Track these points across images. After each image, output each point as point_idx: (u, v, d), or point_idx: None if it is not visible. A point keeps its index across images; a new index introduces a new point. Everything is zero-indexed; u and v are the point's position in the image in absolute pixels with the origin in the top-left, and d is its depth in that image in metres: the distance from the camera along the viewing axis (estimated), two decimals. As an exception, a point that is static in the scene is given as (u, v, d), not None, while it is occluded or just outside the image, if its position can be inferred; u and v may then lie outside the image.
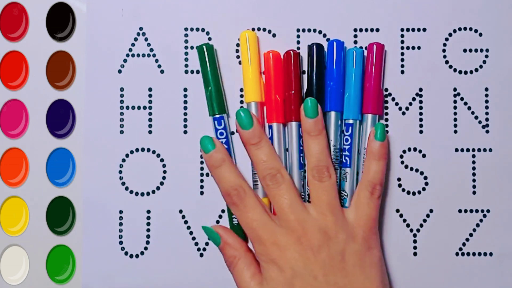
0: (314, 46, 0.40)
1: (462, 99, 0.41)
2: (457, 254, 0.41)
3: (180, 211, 0.41)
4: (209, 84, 0.40)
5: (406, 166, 0.41)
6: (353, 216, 0.38)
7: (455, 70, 0.41)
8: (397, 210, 0.41)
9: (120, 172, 0.41)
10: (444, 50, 0.41)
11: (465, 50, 0.41)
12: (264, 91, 0.40)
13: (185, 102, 0.41)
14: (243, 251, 0.38)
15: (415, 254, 0.41)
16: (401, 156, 0.41)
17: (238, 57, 0.41)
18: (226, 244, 0.39)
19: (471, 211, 0.41)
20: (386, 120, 0.41)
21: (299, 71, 0.40)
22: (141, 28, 0.41)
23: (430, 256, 0.41)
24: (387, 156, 0.40)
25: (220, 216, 0.41)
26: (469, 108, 0.41)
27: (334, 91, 0.40)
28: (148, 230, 0.41)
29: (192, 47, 0.41)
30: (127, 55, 0.41)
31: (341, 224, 0.37)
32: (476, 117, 0.41)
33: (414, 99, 0.41)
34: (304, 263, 0.35)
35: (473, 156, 0.41)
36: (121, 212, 0.41)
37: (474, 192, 0.41)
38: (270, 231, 0.36)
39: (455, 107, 0.41)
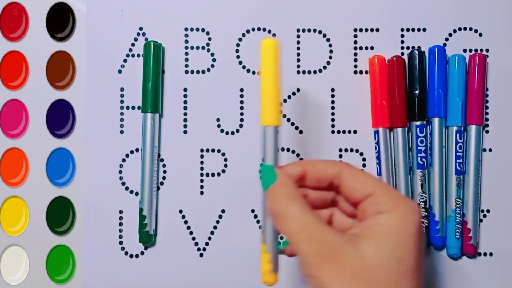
0: (416, 52, 0.40)
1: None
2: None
3: (180, 211, 0.41)
4: (148, 80, 0.40)
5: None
6: None
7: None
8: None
9: (120, 172, 0.41)
10: (444, 50, 0.41)
11: (465, 50, 0.41)
12: (370, 96, 0.41)
13: (185, 102, 0.41)
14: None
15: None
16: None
17: (238, 57, 0.41)
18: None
19: (471, 211, 0.41)
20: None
21: (405, 77, 0.40)
22: (141, 28, 0.41)
23: (428, 257, 0.41)
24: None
25: (220, 216, 0.41)
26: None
27: (439, 98, 0.40)
28: (148, 230, 0.41)
29: (192, 47, 0.41)
30: (127, 55, 0.41)
31: None
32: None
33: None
34: None
35: (473, 156, 0.41)
36: (121, 212, 0.41)
37: (474, 192, 0.41)
38: None
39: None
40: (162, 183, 0.41)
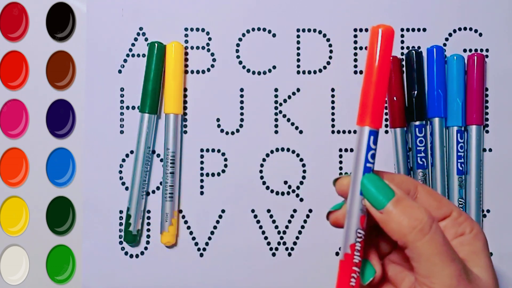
0: (413, 52, 0.40)
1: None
2: (457, 254, 0.41)
3: (180, 211, 0.41)
4: (149, 81, 0.40)
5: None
6: None
7: (455, 70, 0.42)
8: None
9: (120, 172, 0.41)
10: (444, 50, 0.41)
11: (465, 50, 0.41)
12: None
13: (185, 102, 0.41)
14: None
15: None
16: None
17: (238, 57, 0.41)
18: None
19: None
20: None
21: (402, 77, 0.40)
22: (141, 28, 0.41)
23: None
24: None
25: (220, 216, 0.41)
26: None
27: (439, 98, 0.40)
28: (148, 230, 0.41)
29: (192, 47, 0.41)
30: (127, 55, 0.41)
31: None
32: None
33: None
34: None
35: (473, 156, 0.41)
36: (121, 212, 0.41)
37: (474, 192, 0.41)
38: None
39: (455, 107, 0.41)
40: (161, 183, 0.41)
